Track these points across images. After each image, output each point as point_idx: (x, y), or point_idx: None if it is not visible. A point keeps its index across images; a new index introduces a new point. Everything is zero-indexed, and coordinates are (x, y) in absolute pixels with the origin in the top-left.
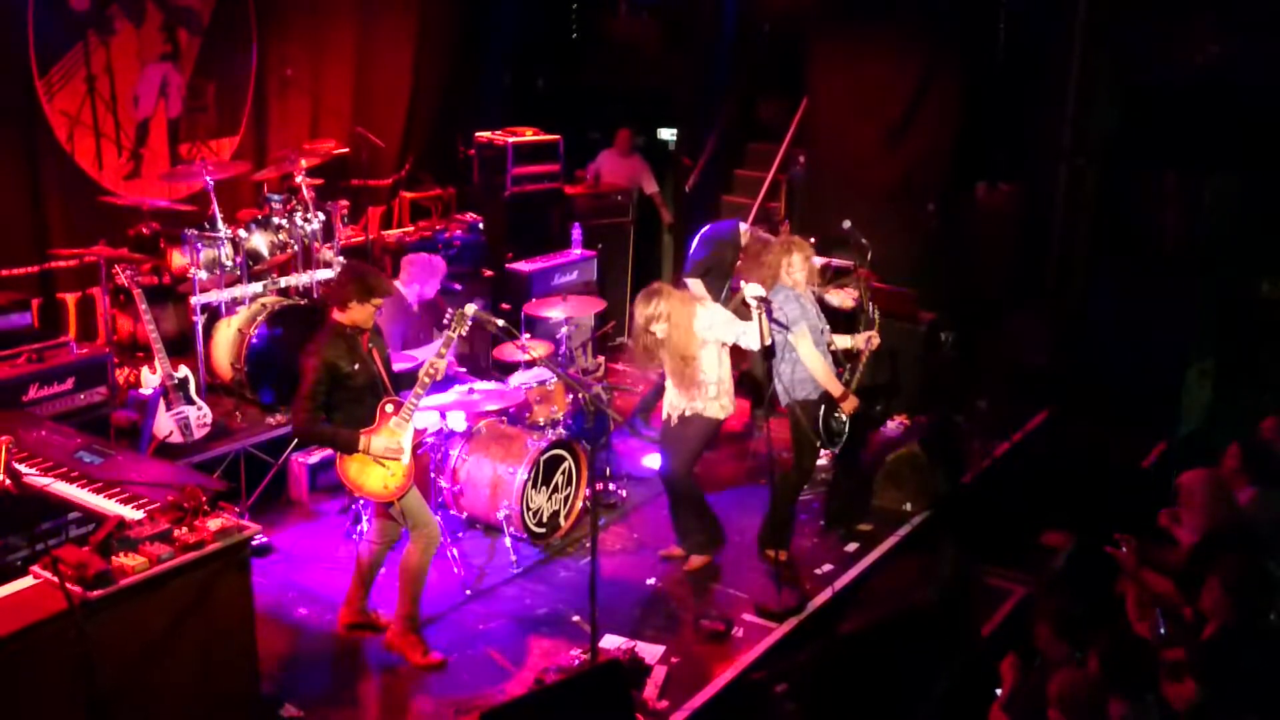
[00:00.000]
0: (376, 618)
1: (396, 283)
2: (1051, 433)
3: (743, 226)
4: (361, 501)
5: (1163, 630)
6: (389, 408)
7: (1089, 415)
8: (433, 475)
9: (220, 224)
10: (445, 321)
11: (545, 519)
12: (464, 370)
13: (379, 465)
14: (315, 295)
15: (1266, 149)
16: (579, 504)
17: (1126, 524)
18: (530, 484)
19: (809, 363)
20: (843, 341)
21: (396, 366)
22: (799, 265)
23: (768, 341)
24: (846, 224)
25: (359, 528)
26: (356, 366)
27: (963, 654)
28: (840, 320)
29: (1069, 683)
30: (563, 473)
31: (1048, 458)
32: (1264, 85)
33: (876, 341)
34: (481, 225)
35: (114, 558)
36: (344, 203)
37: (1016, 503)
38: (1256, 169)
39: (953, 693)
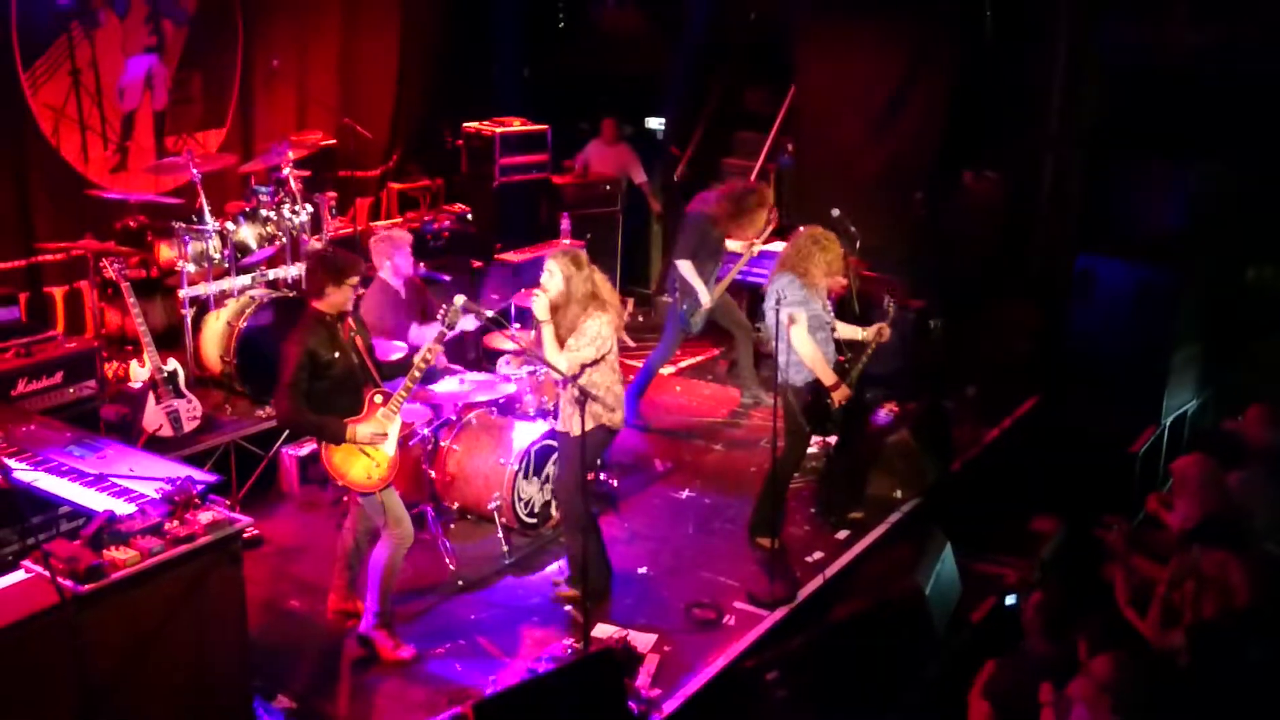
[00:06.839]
0: (359, 606)
1: (381, 274)
2: (1040, 419)
3: (711, 200)
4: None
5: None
6: (377, 398)
7: (1077, 401)
8: (424, 466)
9: (208, 216)
10: (440, 316)
11: (537, 509)
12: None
13: (363, 454)
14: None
15: (1252, 137)
16: None
17: (1115, 509)
18: (521, 474)
19: (800, 349)
20: (851, 331)
21: (395, 355)
22: (822, 264)
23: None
24: (835, 212)
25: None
26: (336, 355)
27: (952, 641)
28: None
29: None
30: (554, 463)
31: (1036, 444)
32: (1249, 72)
33: (887, 334)
34: (470, 215)
35: (105, 551)
36: (332, 194)
37: (1005, 489)
38: (1242, 157)
39: (942, 679)
